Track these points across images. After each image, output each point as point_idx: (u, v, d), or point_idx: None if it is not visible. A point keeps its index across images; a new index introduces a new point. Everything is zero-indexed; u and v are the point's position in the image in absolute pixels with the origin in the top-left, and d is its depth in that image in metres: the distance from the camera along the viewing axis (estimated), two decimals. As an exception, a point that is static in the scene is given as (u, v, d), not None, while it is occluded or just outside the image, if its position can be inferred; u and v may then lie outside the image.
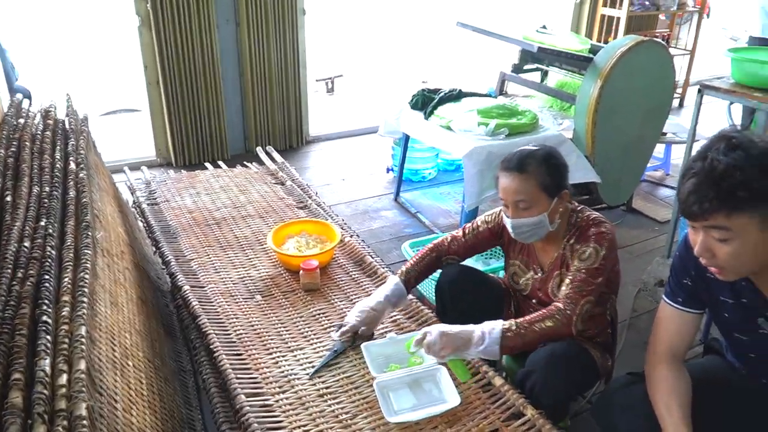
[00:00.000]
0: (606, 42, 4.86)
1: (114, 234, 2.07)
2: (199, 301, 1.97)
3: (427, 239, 2.75)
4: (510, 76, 3.83)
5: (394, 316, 1.96)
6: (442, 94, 3.38)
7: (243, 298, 2.04)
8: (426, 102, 3.39)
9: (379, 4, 10.26)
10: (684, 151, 2.77)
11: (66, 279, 1.35)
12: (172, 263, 2.18)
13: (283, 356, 1.76)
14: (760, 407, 1.45)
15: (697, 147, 1.20)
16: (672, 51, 5.85)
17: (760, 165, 1.09)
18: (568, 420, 1.94)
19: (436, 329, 1.64)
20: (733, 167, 1.09)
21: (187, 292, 2.01)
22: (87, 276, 1.41)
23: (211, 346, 1.75)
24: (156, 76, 4.05)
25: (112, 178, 2.78)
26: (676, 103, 5.83)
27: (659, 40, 3.38)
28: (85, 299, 1.32)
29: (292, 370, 1.71)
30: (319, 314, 1.97)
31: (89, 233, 1.60)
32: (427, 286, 2.51)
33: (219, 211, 2.66)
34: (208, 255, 2.29)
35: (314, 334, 1.87)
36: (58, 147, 2.05)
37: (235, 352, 1.75)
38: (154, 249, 2.48)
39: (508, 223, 1.77)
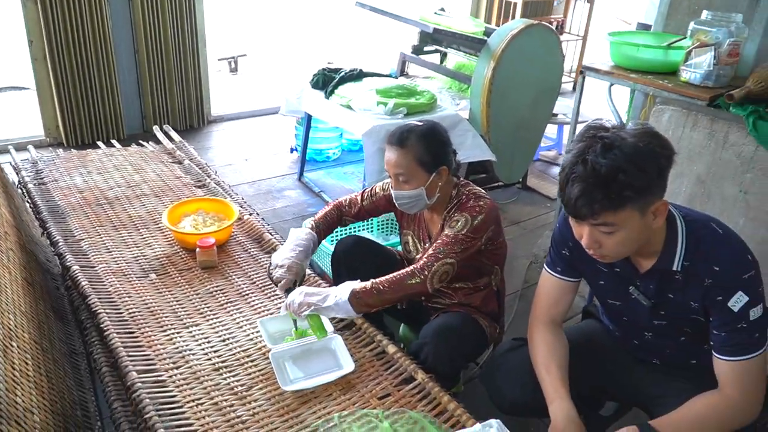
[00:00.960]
0: (503, 26, 5.04)
1: (-6, 214, 1.97)
2: (89, 281, 1.91)
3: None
4: (410, 57, 3.91)
5: (292, 290, 1.98)
6: (342, 73, 3.40)
7: (137, 277, 2.00)
8: (327, 81, 3.40)
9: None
10: (569, 129, 2.95)
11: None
12: (60, 243, 2.10)
13: (177, 333, 1.75)
14: (629, 365, 1.59)
15: (581, 128, 1.26)
16: (566, 36, 6.18)
17: (637, 163, 1.17)
18: (461, 386, 2.05)
19: (298, 289, 1.70)
20: (615, 169, 1.15)
21: (76, 272, 1.95)
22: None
23: (102, 325, 1.71)
24: (43, 51, 3.81)
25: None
26: (570, 86, 6.15)
27: (549, 24, 3.54)
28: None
29: (187, 346, 1.70)
30: (216, 291, 1.97)
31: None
32: (328, 263, 2.54)
33: (112, 190, 2.57)
34: (100, 235, 2.22)
35: (211, 311, 1.87)
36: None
37: (126, 330, 1.72)
38: (42, 230, 2.37)
39: (392, 193, 1.84)
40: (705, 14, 2.34)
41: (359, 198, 2.03)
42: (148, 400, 1.46)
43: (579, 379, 1.50)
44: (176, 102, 4.43)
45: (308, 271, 2.06)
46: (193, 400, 1.52)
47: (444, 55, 4.00)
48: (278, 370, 1.61)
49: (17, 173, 2.73)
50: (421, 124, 1.80)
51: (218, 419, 1.47)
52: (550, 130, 4.42)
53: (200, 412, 1.49)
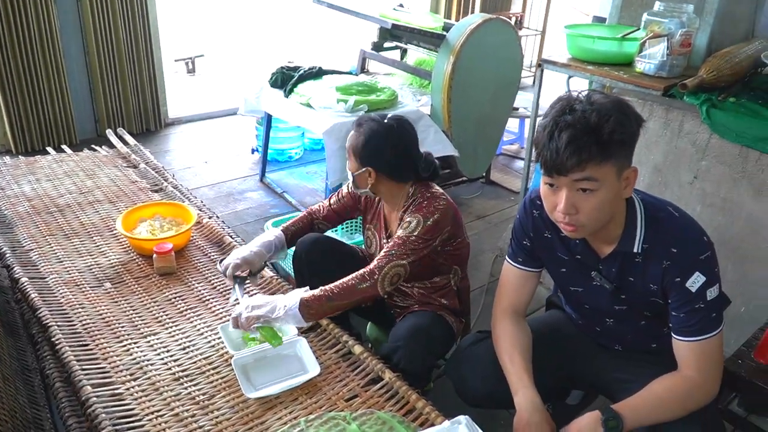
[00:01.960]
0: (462, 22, 5.04)
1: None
2: (39, 293, 1.83)
3: (291, 217, 2.73)
4: (370, 54, 3.88)
5: (254, 292, 1.93)
6: (302, 71, 3.36)
7: (90, 287, 1.92)
8: (286, 80, 3.35)
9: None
10: (529, 123, 2.96)
11: None
12: (7, 255, 2.01)
13: (135, 343, 1.69)
14: (593, 353, 1.60)
15: (540, 120, 1.26)
16: (525, 31, 6.23)
17: (622, 111, 1.19)
18: (431, 384, 2.04)
19: (244, 302, 1.64)
20: (605, 114, 1.17)
21: (26, 284, 1.86)
22: None
23: (53, 339, 1.63)
24: (-15, 54, 3.66)
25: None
26: (530, 81, 6.20)
27: (507, 19, 3.55)
28: None
29: (145, 356, 1.64)
30: (175, 298, 1.91)
31: None
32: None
33: (63, 197, 2.47)
34: (50, 244, 2.13)
35: (170, 319, 1.81)
36: None
37: (80, 343, 1.65)
38: (-12, 242, 2.27)
39: None
40: (657, 5, 2.37)
41: (328, 201, 2.03)
42: (104, 414, 1.40)
43: (544, 369, 1.50)
44: (131, 105, 4.30)
45: (271, 274, 2.02)
46: (152, 413, 1.46)
47: (404, 52, 3.98)
48: (241, 377, 1.56)
49: (-41, 183, 2.61)
50: (385, 122, 1.80)
51: (180, 430, 1.42)
52: (512, 124, 4.44)
53: (160, 424, 1.43)
